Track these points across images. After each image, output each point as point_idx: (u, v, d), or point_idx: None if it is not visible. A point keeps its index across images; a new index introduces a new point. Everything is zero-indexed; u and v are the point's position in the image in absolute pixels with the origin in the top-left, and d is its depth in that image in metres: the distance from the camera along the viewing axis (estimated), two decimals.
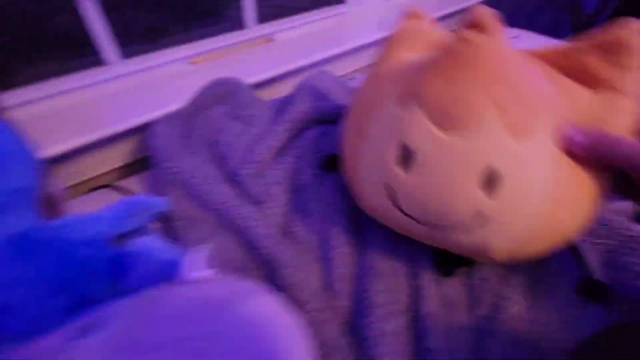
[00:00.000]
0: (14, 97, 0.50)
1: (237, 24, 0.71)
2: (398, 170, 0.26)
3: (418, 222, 0.27)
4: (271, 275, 0.33)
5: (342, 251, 0.34)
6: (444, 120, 0.23)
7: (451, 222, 0.25)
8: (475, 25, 0.22)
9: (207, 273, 0.21)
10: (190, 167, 0.40)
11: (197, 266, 0.21)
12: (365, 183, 0.29)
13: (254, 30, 0.72)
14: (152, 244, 0.25)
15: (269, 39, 0.73)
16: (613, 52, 0.23)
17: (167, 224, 0.38)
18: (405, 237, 0.32)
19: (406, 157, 0.25)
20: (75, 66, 0.56)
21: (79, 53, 0.57)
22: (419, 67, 0.26)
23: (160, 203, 0.33)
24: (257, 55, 0.69)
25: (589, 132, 0.22)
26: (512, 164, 0.23)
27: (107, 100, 0.55)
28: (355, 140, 0.30)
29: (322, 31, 0.79)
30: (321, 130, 0.45)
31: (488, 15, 0.22)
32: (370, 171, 0.28)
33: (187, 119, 0.50)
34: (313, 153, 0.42)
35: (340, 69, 0.77)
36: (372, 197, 0.29)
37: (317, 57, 0.70)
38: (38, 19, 0.56)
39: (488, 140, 0.23)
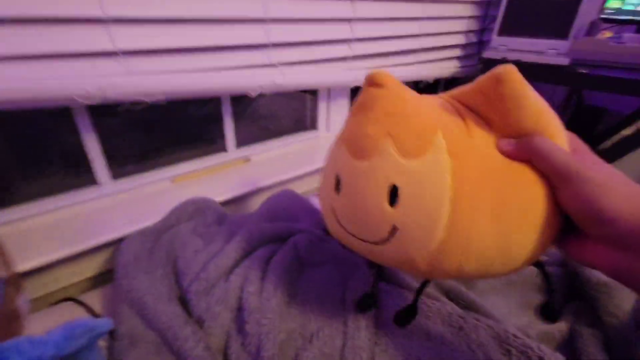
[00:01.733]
0: (4, 215, 0.57)
1: (222, 146, 0.84)
2: (334, 195, 0.32)
3: (358, 238, 0.31)
4: None
5: None
6: (356, 151, 0.30)
7: (375, 236, 0.30)
8: (374, 84, 0.31)
9: None
10: (145, 285, 0.44)
11: None
12: (324, 211, 0.35)
13: (233, 152, 0.84)
14: None
15: (246, 159, 0.85)
16: (489, 95, 0.28)
17: (114, 343, 0.40)
18: None
19: (337, 183, 0.32)
20: (71, 184, 0.65)
21: (76, 172, 0.67)
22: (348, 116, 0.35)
23: (104, 324, 0.36)
24: (234, 174, 0.80)
25: (513, 141, 0.27)
26: (407, 179, 0.27)
27: (93, 217, 0.62)
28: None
29: (295, 153, 0.92)
30: (271, 249, 0.51)
31: (383, 74, 0.31)
32: (324, 200, 0.35)
33: (156, 235, 0.56)
34: (259, 271, 0.47)
35: (305, 186, 0.87)
36: (329, 221, 0.35)
37: (288, 175, 0.81)
38: (43, 141, 0.67)
39: (387, 162, 0.28)
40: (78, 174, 0.67)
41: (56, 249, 0.54)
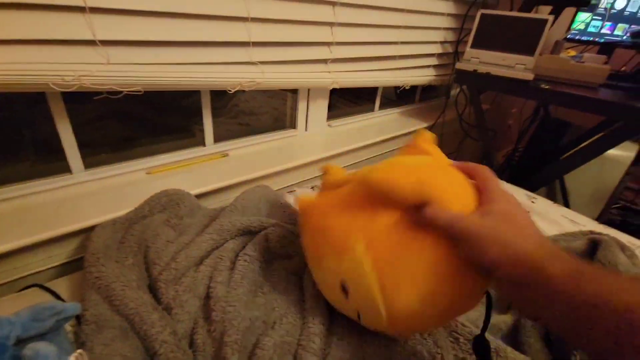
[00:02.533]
0: None
1: (201, 140, 0.85)
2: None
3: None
4: None
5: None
6: (312, 257, 0.41)
7: (354, 317, 0.39)
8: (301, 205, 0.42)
9: None
10: (114, 273, 0.45)
11: None
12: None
13: (211, 147, 0.85)
14: (45, 348, 0.29)
15: (224, 154, 0.86)
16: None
17: (80, 325, 0.41)
18: None
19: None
20: (43, 171, 0.64)
21: (49, 160, 0.67)
22: None
23: (70, 308, 0.37)
24: (211, 168, 0.81)
25: (411, 220, 0.33)
26: (345, 275, 0.35)
27: (64, 204, 0.62)
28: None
29: (272, 150, 0.94)
30: (242, 241, 0.53)
31: (328, 168, 0.42)
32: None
33: (128, 224, 0.57)
34: (227, 262, 0.48)
35: (281, 183, 0.89)
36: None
37: (265, 172, 0.83)
38: (18, 126, 0.65)
39: (331, 263, 0.37)
40: (50, 161, 0.66)
41: (25, 235, 0.54)
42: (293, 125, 1.02)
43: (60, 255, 0.59)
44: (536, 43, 0.98)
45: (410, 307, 0.32)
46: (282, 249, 0.53)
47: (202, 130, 0.83)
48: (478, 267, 0.30)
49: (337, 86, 0.91)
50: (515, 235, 0.28)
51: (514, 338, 0.49)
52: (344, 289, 0.36)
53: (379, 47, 0.99)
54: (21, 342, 0.34)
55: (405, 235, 0.32)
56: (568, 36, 1.14)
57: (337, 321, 0.43)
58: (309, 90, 0.97)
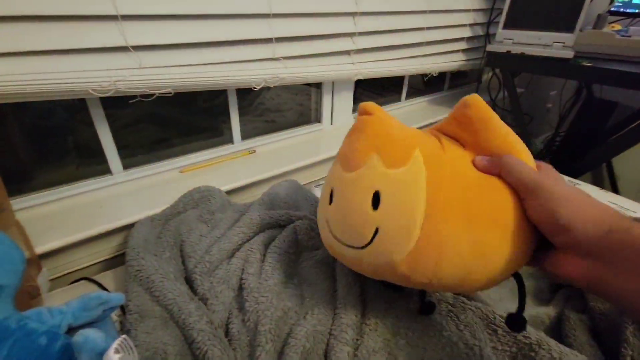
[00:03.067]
0: (25, 201, 0.61)
1: (229, 138, 0.87)
2: (328, 207, 0.36)
3: (345, 245, 0.35)
4: None
5: (267, 349, 0.39)
6: (347, 164, 0.35)
7: (360, 239, 0.33)
8: (365, 112, 0.37)
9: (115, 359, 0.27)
10: (153, 265, 0.48)
11: (113, 356, 0.28)
12: (320, 226, 0.40)
13: (239, 144, 0.87)
14: (93, 334, 0.31)
15: (252, 151, 0.87)
16: (460, 120, 0.35)
17: (125, 316, 0.44)
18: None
19: (331, 196, 0.36)
20: (86, 173, 0.69)
21: (91, 162, 0.71)
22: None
23: (116, 298, 0.40)
24: (240, 165, 0.83)
25: (486, 157, 0.32)
26: (388, 185, 0.31)
27: (105, 204, 0.66)
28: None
29: (299, 145, 0.94)
30: (271, 234, 0.54)
31: (372, 105, 0.36)
32: (320, 214, 0.39)
33: (164, 221, 0.60)
34: (258, 254, 0.49)
35: (308, 177, 0.89)
36: (323, 234, 0.39)
37: (292, 167, 0.83)
38: (62, 132, 0.70)
39: (372, 171, 0.32)
40: (92, 164, 0.71)
41: (72, 232, 0.58)
42: (318, 119, 1.02)
43: (104, 251, 0.63)
44: (576, 18, 0.91)
45: (451, 243, 0.29)
46: (311, 240, 0.53)
47: (230, 129, 0.85)
48: (546, 224, 0.28)
49: (361, 77, 0.90)
50: (591, 199, 0.27)
51: (557, 331, 0.46)
52: (376, 200, 0.32)
53: (404, 35, 0.96)
54: (72, 330, 0.37)
55: (471, 172, 0.31)
56: (612, 9, 1.05)
57: (370, 312, 0.43)
58: (333, 83, 0.97)
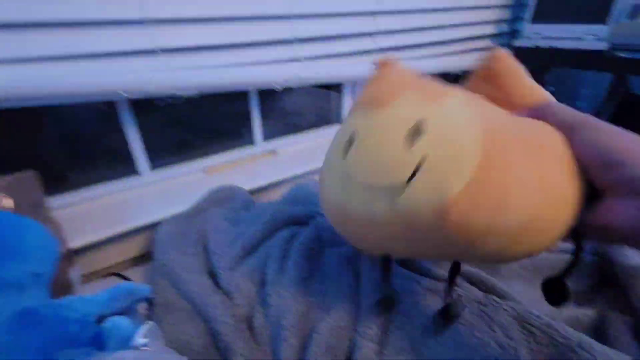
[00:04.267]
0: (60, 199, 0.64)
1: (250, 140, 0.88)
2: (343, 159, 0.30)
3: (373, 191, 0.27)
4: None
5: (290, 343, 0.38)
6: (377, 101, 0.29)
7: (397, 175, 0.26)
8: (386, 61, 0.32)
9: (142, 343, 0.27)
10: (178, 260, 0.48)
11: (140, 340, 0.28)
12: (328, 186, 0.33)
13: (261, 145, 0.88)
14: (122, 321, 0.32)
15: (273, 152, 0.88)
16: (488, 76, 0.32)
17: (152, 308, 0.45)
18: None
19: (350, 143, 0.29)
20: (114, 174, 0.72)
21: (120, 164, 0.74)
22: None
23: (143, 289, 0.40)
24: (262, 165, 0.83)
25: (525, 109, 0.29)
26: (433, 112, 0.26)
27: (134, 202, 0.68)
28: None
29: (319, 145, 0.94)
30: (292, 231, 0.53)
31: (388, 57, 0.33)
32: (330, 174, 0.32)
33: (188, 218, 0.61)
34: (280, 250, 0.49)
35: None
36: (334, 192, 0.32)
37: (312, 167, 0.83)
38: (93, 137, 0.74)
39: (410, 102, 0.27)
40: (121, 165, 0.73)
41: (102, 229, 0.60)
42: (338, 120, 1.02)
43: (133, 248, 0.65)
44: (609, 9, 0.87)
45: (521, 179, 0.24)
46: (333, 237, 0.52)
47: (251, 131, 0.86)
48: (597, 161, 0.24)
49: None
50: None
51: (598, 333, 0.43)
52: (416, 131, 0.26)
53: (426, 33, 0.95)
54: (101, 319, 0.38)
55: (520, 120, 0.27)
56: None
57: (396, 309, 0.41)
58: (354, 84, 0.96)
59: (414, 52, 0.96)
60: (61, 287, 0.50)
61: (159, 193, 0.71)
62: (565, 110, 0.27)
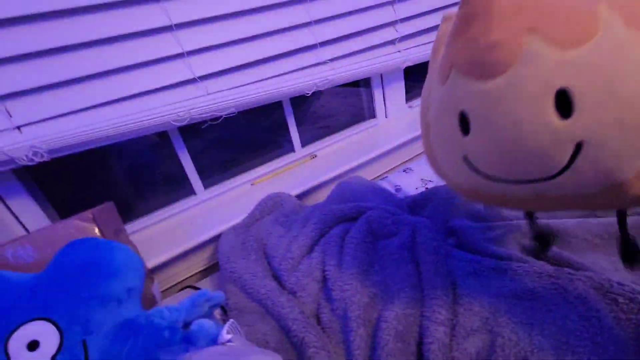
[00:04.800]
0: (132, 226, 0.71)
1: (290, 148, 0.91)
2: (461, 139, 0.25)
3: (514, 181, 0.23)
4: (300, 356, 0.39)
5: (359, 333, 0.39)
6: (482, 70, 0.22)
7: (548, 166, 0.22)
8: None
9: (227, 339, 0.30)
10: (243, 267, 0.52)
11: (226, 336, 0.31)
12: (444, 166, 0.29)
13: (300, 151, 0.91)
14: (207, 322, 0.36)
15: (312, 156, 0.91)
16: None
17: (226, 313, 0.48)
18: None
19: (464, 123, 0.24)
20: (174, 197, 0.78)
21: (177, 188, 0.81)
22: (446, 44, 0.26)
23: (218, 296, 0.44)
24: (303, 170, 0.86)
25: None
26: (579, 74, 0.19)
27: (193, 221, 0.74)
28: (426, 136, 0.31)
29: (357, 143, 0.95)
30: (344, 227, 0.55)
31: None
32: (444, 152, 0.28)
33: (245, 228, 0.65)
34: (336, 247, 0.51)
35: (372, 173, 0.89)
36: (455, 175, 0.28)
37: (352, 164, 0.84)
38: (151, 167, 0.81)
39: (539, 64, 0.20)
40: (179, 188, 0.80)
41: (171, 249, 0.66)
42: (372, 114, 1.02)
43: (199, 261, 0.70)
44: None
45: None
46: (384, 228, 0.53)
47: (290, 140, 0.89)
48: None
49: (410, 63, 0.88)
50: None
51: None
52: (563, 102, 0.20)
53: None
54: (187, 324, 0.42)
55: None
56: None
57: (462, 291, 0.41)
58: (381, 76, 0.96)
59: None
60: (147, 302, 0.56)
61: (214, 209, 0.77)
62: None
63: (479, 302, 0.40)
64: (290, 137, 0.89)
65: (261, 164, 0.87)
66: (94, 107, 0.56)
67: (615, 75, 0.19)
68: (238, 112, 0.68)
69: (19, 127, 0.50)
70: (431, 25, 0.90)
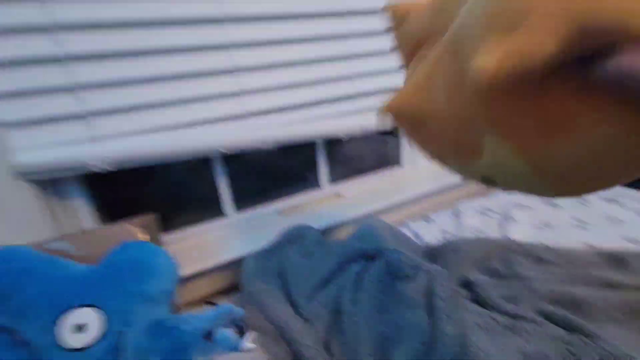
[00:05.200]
0: (165, 237, 0.77)
1: (317, 184, 0.97)
2: None
3: None
4: None
5: None
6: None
7: None
8: None
9: (250, 347, 0.34)
10: (263, 290, 0.55)
11: (248, 345, 0.34)
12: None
13: (327, 188, 0.96)
14: (228, 332, 0.39)
15: (338, 194, 0.95)
16: None
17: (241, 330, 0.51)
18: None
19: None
20: (207, 216, 0.84)
21: (210, 207, 0.87)
22: None
23: (238, 311, 0.47)
24: (329, 207, 0.90)
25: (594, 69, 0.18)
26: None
27: (221, 241, 0.79)
28: None
29: (381, 187, 0.99)
30: (363, 265, 0.58)
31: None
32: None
33: (269, 254, 0.68)
34: (354, 282, 0.53)
35: (394, 217, 0.92)
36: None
37: (375, 207, 0.88)
38: (187, 186, 0.88)
39: None
40: (211, 208, 0.86)
41: (196, 264, 0.71)
42: (398, 162, 1.07)
43: (220, 280, 0.74)
44: None
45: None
46: (401, 271, 0.55)
47: (318, 176, 0.95)
48: None
49: None
50: None
51: None
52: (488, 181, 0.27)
53: None
54: (209, 333, 0.45)
55: (562, 97, 0.19)
56: None
57: (472, 341, 0.42)
58: None
59: None
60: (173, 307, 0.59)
61: (242, 232, 0.82)
62: None
63: (487, 356, 0.41)
64: (319, 173, 0.95)
65: (288, 194, 0.93)
66: (155, 130, 0.64)
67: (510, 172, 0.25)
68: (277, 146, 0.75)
69: (94, 139, 0.59)
70: None
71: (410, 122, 0.30)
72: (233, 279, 0.74)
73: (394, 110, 0.30)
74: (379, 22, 0.76)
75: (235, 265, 0.74)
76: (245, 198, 0.91)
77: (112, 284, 0.41)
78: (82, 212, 0.68)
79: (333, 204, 0.92)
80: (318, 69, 0.76)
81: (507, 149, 0.23)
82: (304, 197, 0.93)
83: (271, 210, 0.88)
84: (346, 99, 0.81)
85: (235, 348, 0.37)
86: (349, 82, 0.81)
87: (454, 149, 0.28)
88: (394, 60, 0.35)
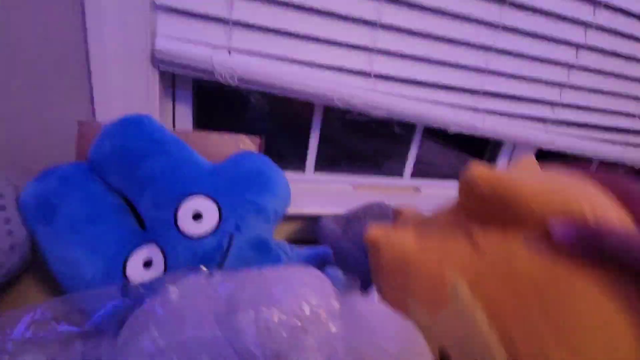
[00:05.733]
0: None
1: (399, 173, 0.92)
2: None
3: None
4: None
5: None
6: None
7: None
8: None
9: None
10: (344, 246, 0.53)
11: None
12: None
13: (408, 180, 0.91)
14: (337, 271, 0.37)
15: (417, 189, 0.90)
16: (477, 202, 0.26)
17: None
18: None
19: None
20: (288, 167, 0.82)
21: (292, 161, 0.85)
22: None
23: (330, 257, 0.45)
24: (405, 199, 0.86)
25: (573, 223, 0.21)
26: (444, 335, 0.25)
27: (299, 194, 0.77)
28: None
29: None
30: None
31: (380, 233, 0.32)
32: None
33: (345, 221, 0.66)
34: None
35: None
36: None
37: None
38: (277, 134, 0.87)
39: (420, 322, 0.26)
40: (292, 162, 0.85)
41: None
42: None
43: (295, 230, 0.73)
44: None
45: None
46: None
47: (403, 164, 0.91)
48: None
49: (552, 148, 0.85)
50: None
51: None
52: (444, 357, 0.25)
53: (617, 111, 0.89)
54: None
55: (538, 267, 0.22)
56: None
57: None
58: (514, 145, 0.94)
59: (596, 133, 0.90)
60: None
61: (317, 192, 0.80)
62: (625, 241, 0.20)
63: None
64: (405, 162, 0.90)
65: (366, 172, 0.89)
66: (288, 60, 0.62)
67: (467, 341, 0.23)
68: (374, 118, 0.71)
69: (229, 50, 0.58)
70: (590, 123, 0.87)
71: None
72: (305, 232, 0.73)
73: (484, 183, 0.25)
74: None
75: (309, 220, 0.72)
76: (325, 162, 0.89)
77: (232, 186, 0.40)
78: (186, 123, 0.69)
79: (410, 196, 0.88)
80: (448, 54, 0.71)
81: None
82: (382, 180, 0.89)
83: (346, 181, 0.85)
84: (473, 93, 0.76)
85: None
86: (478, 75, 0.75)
87: None
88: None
